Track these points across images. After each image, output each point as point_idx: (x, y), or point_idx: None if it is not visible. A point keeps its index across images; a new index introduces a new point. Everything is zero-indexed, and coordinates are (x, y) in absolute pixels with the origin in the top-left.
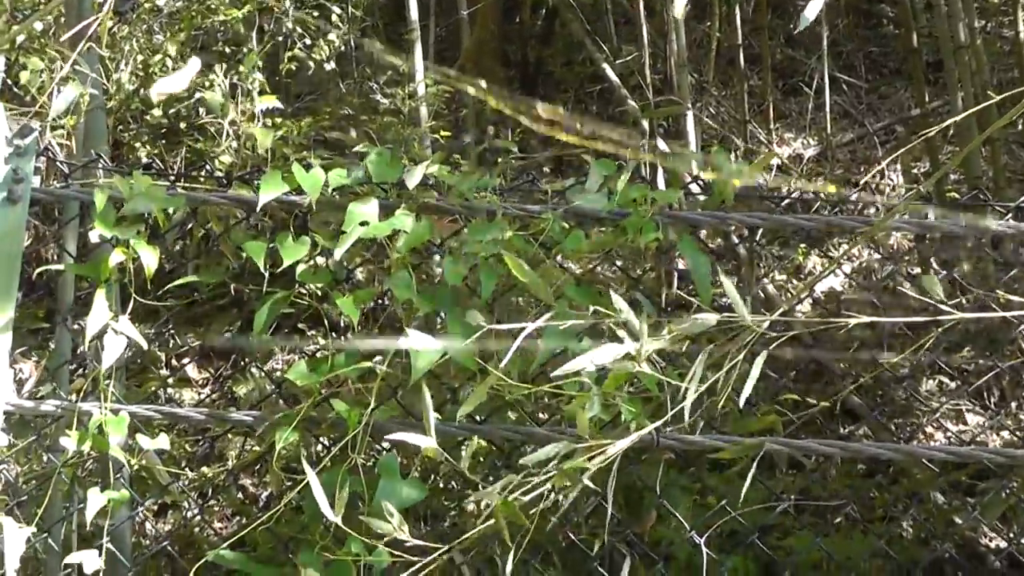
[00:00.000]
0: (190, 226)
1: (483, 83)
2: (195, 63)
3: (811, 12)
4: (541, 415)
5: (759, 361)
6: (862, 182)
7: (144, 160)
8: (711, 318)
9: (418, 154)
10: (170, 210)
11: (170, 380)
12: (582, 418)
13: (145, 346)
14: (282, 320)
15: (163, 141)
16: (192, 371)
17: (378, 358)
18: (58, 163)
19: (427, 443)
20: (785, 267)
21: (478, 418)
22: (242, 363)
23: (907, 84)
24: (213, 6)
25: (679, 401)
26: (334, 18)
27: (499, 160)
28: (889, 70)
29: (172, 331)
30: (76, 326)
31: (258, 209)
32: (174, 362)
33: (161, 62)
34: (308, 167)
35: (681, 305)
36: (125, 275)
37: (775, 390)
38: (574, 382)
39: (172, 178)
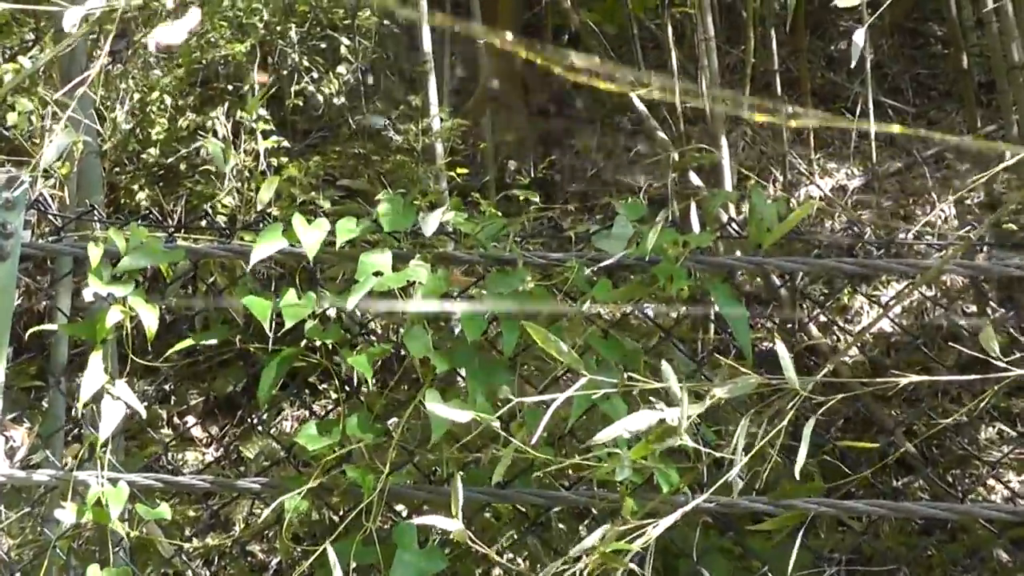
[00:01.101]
0: (191, 274)
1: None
2: (195, 14)
3: (859, 38)
4: (569, 474)
5: (808, 430)
6: (911, 231)
7: (141, 203)
8: (752, 380)
9: (433, 194)
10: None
11: (172, 441)
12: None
13: (144, 413)
14: (292, 373)
15: (161, 184)
16: (195, 428)
17: (394, 419)
18: (50, 215)
19: (454, 527)
20: (830, 308)
21: (501, 480)
22: (248, 420)
23: (958, 108)
24: (213, 40)
25: (717, 459)
26: (343, 50)
27: (520, 199)
28: (938, 93)
29: (173, 387)
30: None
31: (249, 268)
32: (176, 420)
33: (159, 99)
34: (315, 216)
35: (719, 350)
36: (122, 333)
37: (821, 441)
38: (603, 445)
39: (171, 229)
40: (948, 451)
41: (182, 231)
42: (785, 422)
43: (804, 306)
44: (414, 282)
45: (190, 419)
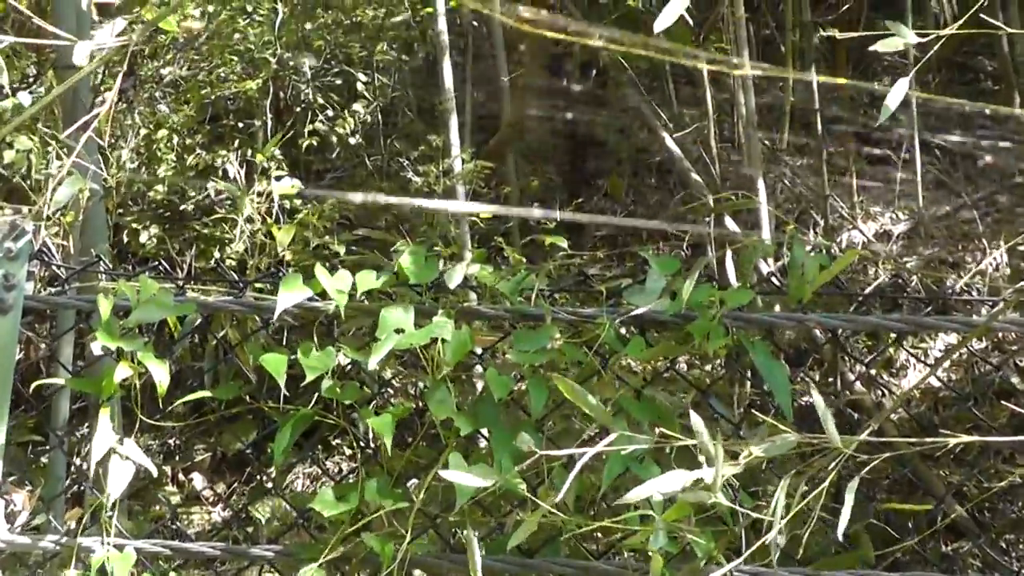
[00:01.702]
0: (198, 321)
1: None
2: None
3: (893, 101)
4: (597, 537)
5: (851, 491)
6: (960, 283)
7: (147, 246)
8: (791, 439)
9: (455, 245)
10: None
11: (179, 504)
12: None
13: (155, 472)
14: (306, 431)
15: (168, 225)
16: (201, 482)
17: (414, 481)
18: (54, 266)
19: None
20: (874, 361)
21: (526, 547)
22: (258, 478)
23: (1010, 147)
24: (223, 75)
25: (755, 522)
26: (359, 87)
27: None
28: (989, 132)
29: (179, 443)
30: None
31: (274, 320)
32: (181, 476)
33: (167, 137)
34: (331, 263)
35: (756, 406)
36: (131, 390)
37: (865, 503)
38: (635, 510)
39: (181, 280)
40: (1001, 515)
41: (192, 281)
42: (827, 483)
43: (847, 359)
44: (436, 339)
45: (196, 476)
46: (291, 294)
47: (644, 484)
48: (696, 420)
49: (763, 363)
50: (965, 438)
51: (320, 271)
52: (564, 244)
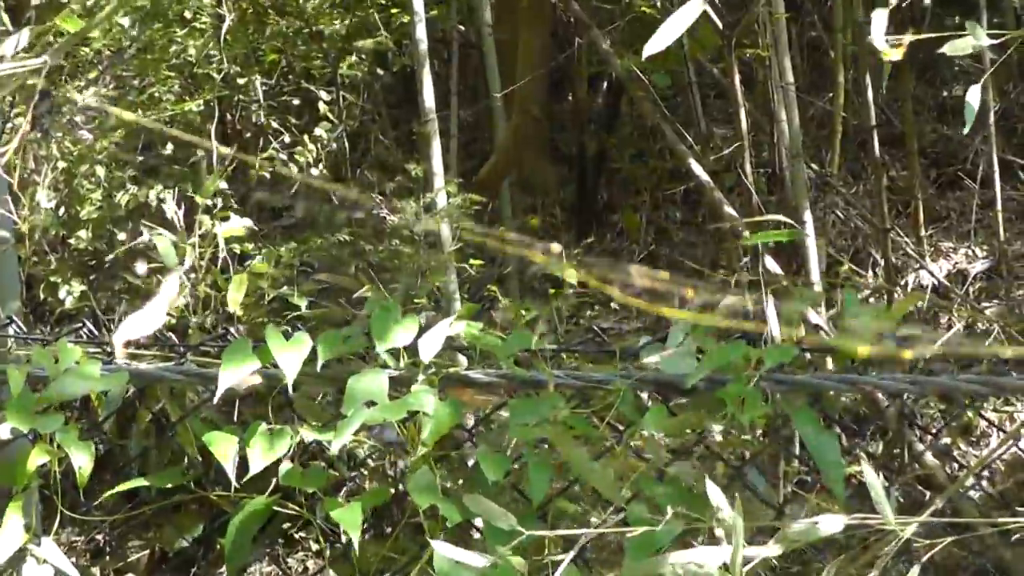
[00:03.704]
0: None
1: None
2: (174, 281)
3: (973, 96)
4: None
5: None
6: None
7: (67, 303)
8: (837, 521)
9: (441, 290)
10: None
11: None
12: None
13: None
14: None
15: (93, 277)
16: None
17: None
18: None
19: None
20: (948, 429)
21: None
22: None
23: None
24: (157, 95)
25: None
26: (322, 107)
27: (551, 294)
28: None
29: (110, 539)
30: None
31: (216, 399)
32: None
33: (90, 171)
34: (288, 321)
35: (807, 485)
36: (50, 479)
37: None
38: None
39: (109, 346)
40: None
41: (123, 347)
42: (877, 568)
43: (916, 427)
44: (416, 412)
45: None
46: (235, 370)
47: (662, 555)
48: (719, 498)
49: (810, 434)
50: None
51: (272, 337)
52: (574, 279)
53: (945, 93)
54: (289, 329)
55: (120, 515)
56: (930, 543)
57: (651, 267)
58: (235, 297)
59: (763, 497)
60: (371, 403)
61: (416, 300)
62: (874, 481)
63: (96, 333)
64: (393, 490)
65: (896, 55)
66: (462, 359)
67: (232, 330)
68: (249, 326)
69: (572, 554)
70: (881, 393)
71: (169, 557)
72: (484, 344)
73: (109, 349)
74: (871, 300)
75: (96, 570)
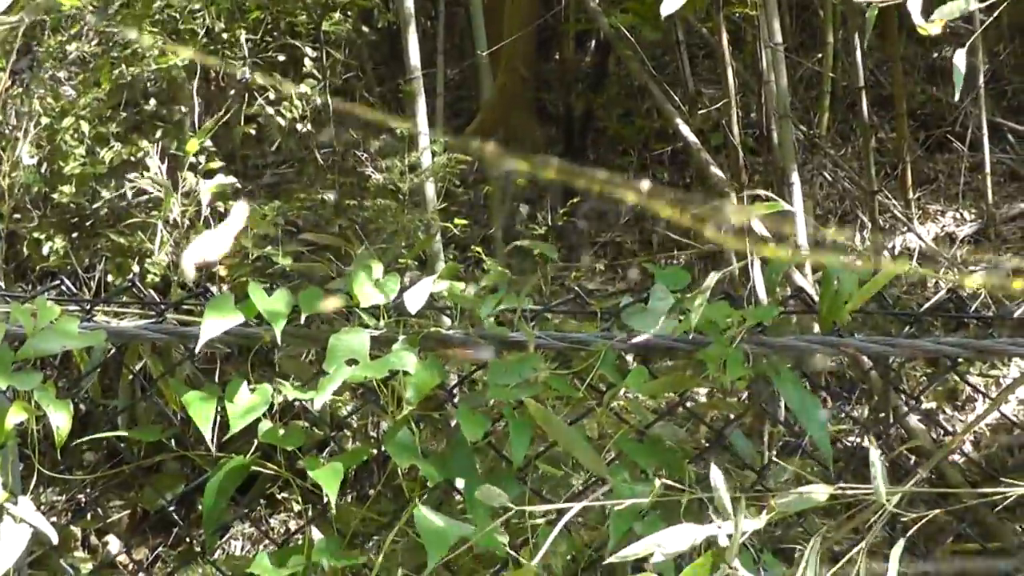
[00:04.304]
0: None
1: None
2: (241, 211)
3: (960, 60)
4: None
5: (896, 553)
6: None
7: (51, 260)
8: (822, 491)
9: (424, 242)
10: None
11: (89, 566)
12: None
13: (55, 537)
14: (245, 480)
15: (76, 234)
16: (117, 546)
17: (375, 538)
18: None
19: None
20: (936, 392)
21: None
22: (187, 541)
23: None
24: (141, 51)
25: None
26: (308, 64)
27: (535, 254)
28: None
29: (90, 499)
30: None
31: (198, 349)
32: (94, 540)
33: (74, 126)
34: (272, 279)
35: (794, 448)
36: (27, 437)
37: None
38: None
39: (89, 302)
40: None
41: (103, 304)
42: (866, 543)
43: (902, 391)
44: (398, 372)
45: (112, 539)
46: (219, 320)
47: (643, 540)
48: (714, 472)
49: (792, 396)
50: None
51: (255, 291)
52: (554, 255)
53: (935, 55)
54: (273, 286)
55: (99, 474)
56: (917, 516)
57: (637, 228)
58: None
59: (746, 460)
60: (353, 361)
61: (401, 260)
62: (874, 453)
63: (75, 290)
64: (375, 451)
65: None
66: (445, 320)
67: (213, 289)
68: (233, 285)
69: (559, 527)
70: (864, 355)
71: (150, 517)
72: (466, 303)
73: (88, 306)
74: (859, 263)
75: (77, 530)
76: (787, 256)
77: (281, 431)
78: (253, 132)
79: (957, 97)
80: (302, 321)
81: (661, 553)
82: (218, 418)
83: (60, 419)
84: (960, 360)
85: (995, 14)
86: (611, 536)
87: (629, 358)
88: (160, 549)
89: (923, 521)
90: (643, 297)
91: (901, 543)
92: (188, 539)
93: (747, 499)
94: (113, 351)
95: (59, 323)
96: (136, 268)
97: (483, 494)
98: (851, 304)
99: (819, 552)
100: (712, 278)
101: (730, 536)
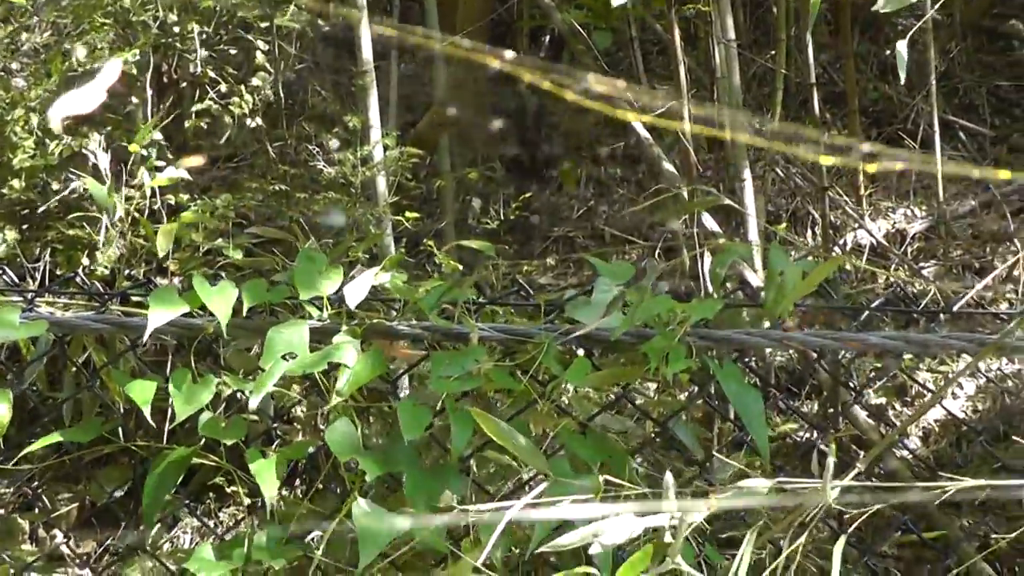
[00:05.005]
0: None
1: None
2: (114, 68)
3: (903, 47)
4: None
5: (839, 548)
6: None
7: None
8: (761, 485)
9: (374, 242)
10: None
11: (35, 561)
12: None
13: None
14: (192, 472)
15: (25, 227)
16: (67, 543)
17: (315, 533)
18: None
19: None
20: (885, 388)
21: None
22: (136, 532)
23: None
24: (91, 42)
25: None
26: (260, 57)
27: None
28: (1023, 110)
29: (37, 491)
30: None
31: (144, 340)
32: (42, 533)
33: (23, 118)
34: (222, 272)
35: (742, 442)
36: None
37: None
38: (579, 569)
39: (31, 292)
40: None
41: (46, 295)
42: (803, 537)
43: (850, 387)
44: (339, 365)
45: (59, 532)
46: (163, 312)
47: (579, 528)
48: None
49: (733, 390)
50: (970, 482)
51: (200, 283)
52: (492, 252)
53: (888, 52)
54: (222, 275)
55: (42, 466)
56: (858, 511)
57: (589, 224)
58: (162, 244)
59: (689, 454)
60: (291, 355)
61: (351, 254)
62: (826, 451)
63: (17, 281)
64: (323, 444)
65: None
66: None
67: (160, 280)
68: (183, 279)
69: (499, 530)
70: (807, 349)
71: (98, 510)
72: (409, 295)
73: (31, 296)
74: (809, 259)
75: (24, 522)
76: (733, 250)
77: (221, 423)
78: (205, 125)
79: (903, 79)
80: (245, 310)
81: (599, 543)
82: (170, 411)
83: (1, 410)
84: (910, 356)
85: (944, 10)
86: (537, 528)
87: (582, 353)
88: (109, 542)
89: (865, 515)
90: (587, 290)
91: (843, 539)
92: (138, 530)
93: (690, 493)
94: (59, 343)
95: (1, 313)
96: (86, 261)
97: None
98: (792, 295)
99: (753, 545)
100: (652, 269)
101: (674, 529)
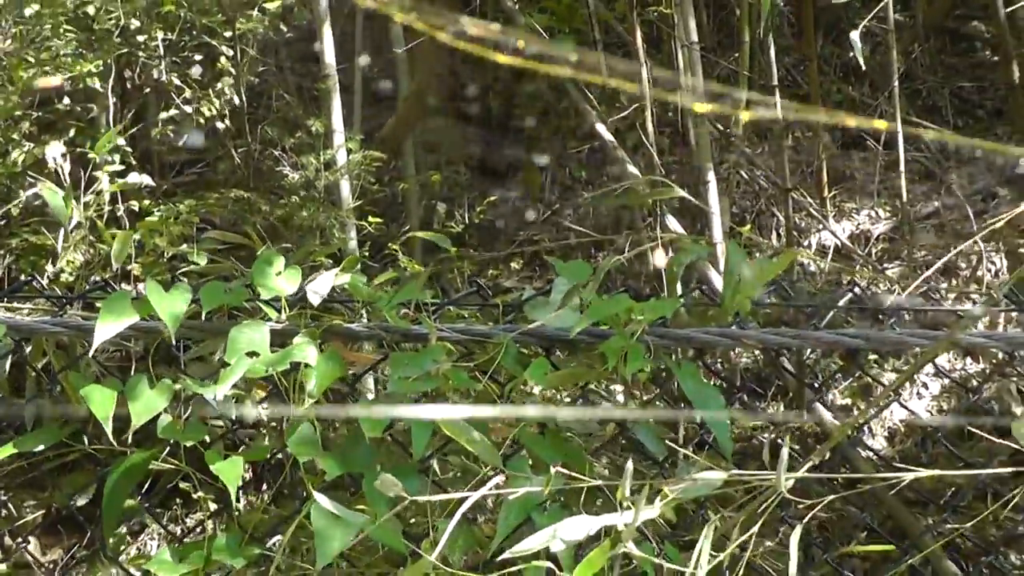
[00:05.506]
0: (17, 355)
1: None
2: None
3: (856, 36)
4: None
5: (795, 538)
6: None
7: None
8: (716, 476)
9: (339, 244)
10: None
11: (3, 567)
12: None
13: None
14: (155, 478)
15: None
16: (35, 548)
17: (277, 537)
18: None
19: None
20: (851, 387)
21: None
22: (102, 540)
23: (1010, 131)
24: (56, 54)
25: None
26: (223, 61)
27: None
28: (986, 112)
29: (6, 498)
30: None
31: (92, 352)
32: (8, 540)
33: None
34: (172, 281)
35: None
36: None
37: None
38: (538, 567)
39: None
40: (999, 572)
41: (4, 299)
42: (756, 527)
43: (819, 383)
44: (300, 364)
45: (27, 539)
46: (112, 324)
47: (540, 531)
48: (628, 468)
49: (692, 388)
50: (921, 472)
51: (152, 288)
52: (448, 245)
53: (851, 54)
54: (182, 280)
55: (6, 471)
56: (812, 502)
57: (556, 227)
58: (118, 252)
59: (650, 454)
60: (253, 353)
61: (314, 257)
62: (780, 445)
63: None
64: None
65: None
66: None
67: (119, 286)
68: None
69: (455, 520)
70: (766, 347)
71: (64, 516)
72: (368, 296)
73: None
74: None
75: None
76: (691, 249)
77: (179, 426)
78: (170, 131)
79: (861, 61)
80: (203, 314)
81: (560, 541)
82: (113, 413)
83: None
84: (871, 355)
85: (906, 12)
86: (500, 526)
87: (542, 352)
88: (75, 549)
89: (827, 510)
90: (547, 290)
91: (799, 529)
92: (103, 539)
93: (647, 489)
94: (15, 351)
95: None
96: (51, 267)
97: (380, 485)
98: (747, 290)
99: (712, 539)
100: (601, 271)
101: (627, 523)
